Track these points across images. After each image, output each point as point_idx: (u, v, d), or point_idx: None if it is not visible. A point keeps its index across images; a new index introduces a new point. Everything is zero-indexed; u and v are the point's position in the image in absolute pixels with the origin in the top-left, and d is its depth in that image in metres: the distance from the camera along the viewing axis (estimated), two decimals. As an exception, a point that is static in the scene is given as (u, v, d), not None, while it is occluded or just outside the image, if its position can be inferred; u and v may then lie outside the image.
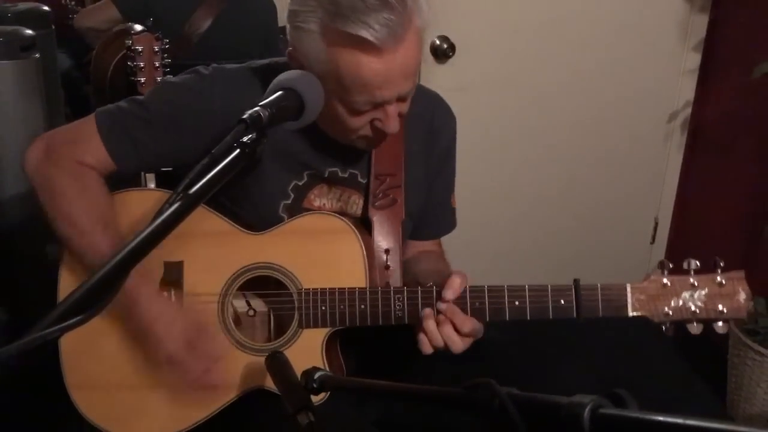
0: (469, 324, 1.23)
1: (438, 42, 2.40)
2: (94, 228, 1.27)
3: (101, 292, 0.62)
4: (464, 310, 1.25)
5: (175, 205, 0.76)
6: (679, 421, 0.48)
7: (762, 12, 2.47)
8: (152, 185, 1.75)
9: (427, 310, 1.25)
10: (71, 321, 0.55)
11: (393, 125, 1.24)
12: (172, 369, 1.26)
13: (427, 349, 1.24)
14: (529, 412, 0.58)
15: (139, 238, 0.70)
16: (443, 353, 1.26)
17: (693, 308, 1.21)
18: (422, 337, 1.24)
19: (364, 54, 1.14)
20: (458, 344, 1.24)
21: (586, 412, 0.53)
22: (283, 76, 1.06)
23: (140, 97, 1.35)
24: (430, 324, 1.24)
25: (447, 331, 1.23)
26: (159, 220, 0.73)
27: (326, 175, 1.39)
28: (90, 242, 1.26)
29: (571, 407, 0.54)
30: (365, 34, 1.10)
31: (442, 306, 1.24)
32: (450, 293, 1.23)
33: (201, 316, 1.29)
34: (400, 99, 1.23)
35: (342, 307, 1.28)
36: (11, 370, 0.50)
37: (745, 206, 2.63)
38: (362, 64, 1.14)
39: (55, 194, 1.29)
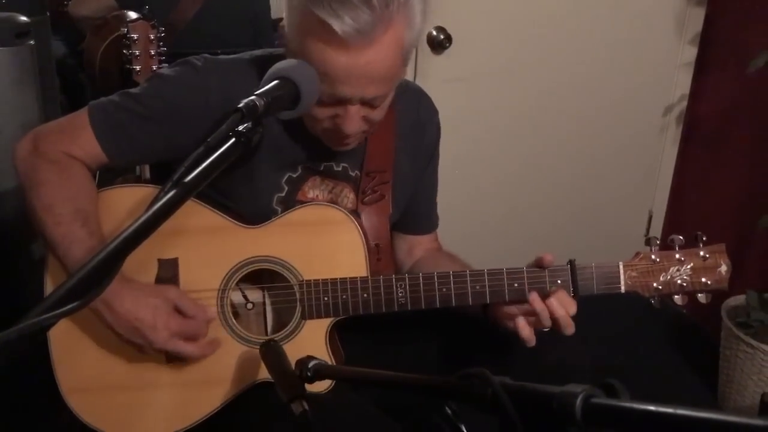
0: (574, 306, 1.26)
1: (435, 33, 2.39)
2: (73, 218, 1.25)
3: (95, 280, 0.62)
4: (465, 294, 1.28)
5: (170, 194, 0.76)
6: (670, 410, 0.49)
7: (758, 5, 2.47)
8: (147, 174, 1.75)
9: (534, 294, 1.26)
10: (66, 308, 0.55)
11: (350, 126, 1.22)
12: (174, 354, 1.26)
13: (529, 335, 1.25)
14: (522, 401, 0.59)
15: (133, 227, 0.70)
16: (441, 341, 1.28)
17: (680, 282, 1.29)
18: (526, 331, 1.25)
19: (329, 44, 1.12)
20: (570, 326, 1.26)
21: (579, 401, 0.54)
22: (279, 65, 1.06)
23: (133, 91, 1.33)
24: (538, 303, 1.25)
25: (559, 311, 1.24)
26: (154, 209, 0.73)
27: (321, 169, 1.39)
28: (65, 232, 1.24)
29: (564, 397, 0.55)
30: (334, 24, 1.09)
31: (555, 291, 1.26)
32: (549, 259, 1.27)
33: (171, 292, 1.27)
34: (366, 103, 1.21)
35: (344, 296, 1.29)
36: (7, 356, 0.50)
37: (739, 200, 2.64)
38: (327, 54, 1.13)
39: (38, 183, 1.27)
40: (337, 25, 1.09)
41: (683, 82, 2.72)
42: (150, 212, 0.72)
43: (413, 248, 1.57)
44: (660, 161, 2.83)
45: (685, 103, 2.75)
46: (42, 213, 1.26)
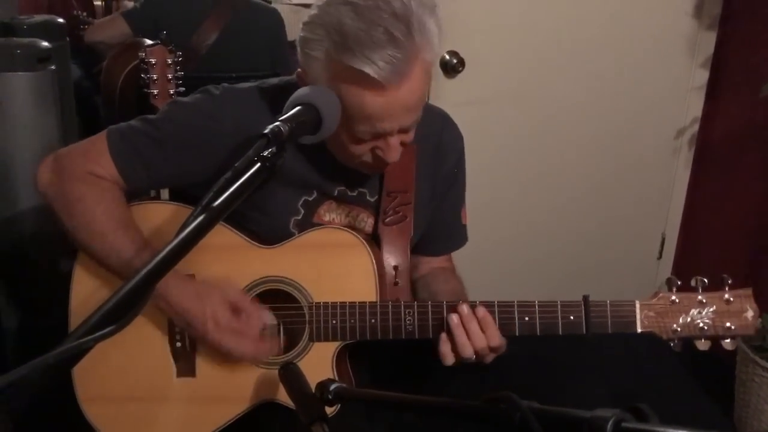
0: (498, 338, 1.24)
1: (447, 57, 2.42)
2: (116, 229, 1.28)
3: (130, 304, 0.63)
4: None
5: (200, 218, 0.77)
6: (701, 435, 0.49)
7: (769, 30, 2.49)
8: (165, 196, 1.76)
9: (455, 318, 1.25)
10: (103, 331, 0.57)
11: (393, 155, 1.25)
12: (221, 349, 1.27)
13: (449, 360, 1.26)
14: (551, 426, 0.59)
15: (165, 251, 0.71)
16: (456, 368, 1.27)
17: (701, 325, 1.23)
18: (445, 349, 1.25)
19: (366, 89, 1.14)
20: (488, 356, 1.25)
21: (609, 425, 0.54)
22: (301, 92, 1.07)
23: (151, 117, 1.36)
24: (460, 335, 1.24)
25: (479, 342, 1.24)
26: (184, 233, 0.74)
27: (335, 194, 1.40)
28: (113, 244, 1.27)
29: (594, 421, 0.55)
30: (368, 70, 1.10)
31: (480, 312, 1.24)
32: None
33: (231, 290, 1.29)
34: (402, 130, 1.24)
35: (353, 321, 1.29)
36: (49, 378, 0.51)
37: (752, 222, 2.63)
38: (364, 98, 1.15)
39: (73, 202, 1.30)
40: (373, 71, 1.10)
41: (695, 106, 2.73)
42: (180, 237, 0.73)
43: (420, 264, 1.58)
44: (673, 184, 2.84)
45: (697, 126, 2.75)
46: (84, 228, 1.29)
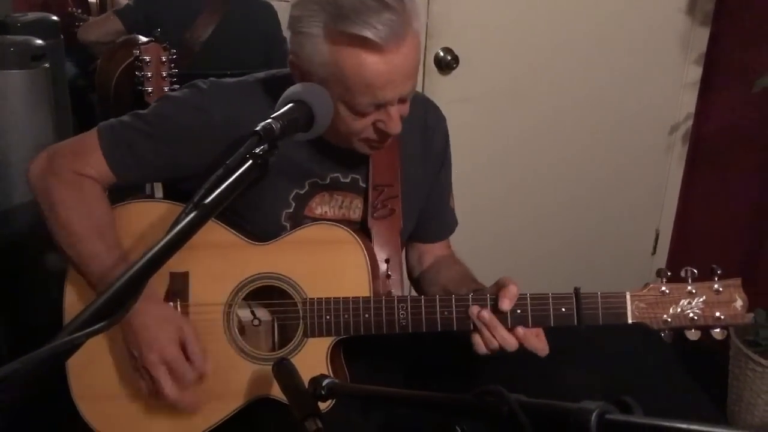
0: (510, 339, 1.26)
1: (442, 54, 2.43)
2: (90, 235, 1.29)
3: (121, 300, 0.64)
4: (467, 318, 1.27)
5: (191, 215, 0.78)
6: (683, 426, 0.50)
7: (763, 26, 2.50)
8: (159, 194, 1.77)
9: (474, 310, 1.26)
10: (95, 327, 0.57)
11: (395, 126, 1.27)
12: (148, 378, 1.26)
13: (481, 349, 1.27)
14: (538, 419, 0.60)
15: (157, 247, 0.72)
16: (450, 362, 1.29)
17: (691, 315, 1.24)
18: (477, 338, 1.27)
19: (367, 54, 1.16)
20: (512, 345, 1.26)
21: (593, 417, 0.55)
22: (293, 89, 1.08)
23: (142, 112, 1.37)
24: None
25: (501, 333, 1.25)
26: (176, 230, 0.75)
27: (328, 182, 1.41)
28: (86, 249, 1.28)
29: (579, 413, 0.56)
30: (368, 33, 1.14)
31: (485, 316, 1.25)
32: (506, 303, 1.24)
33: (190, 330, 1.28)
34: (401, 100, 1.26)
35: (346, 316, 1.30)
36: (41, 374, 0.52)
37: (745, 218, 2.65)
38: (365, 65, 1.17)
39: (54, 203, 1.31)
40: (373, 34, 1.14)
41: (688, 102, 2.74)
42: (172, 233, 0.74)
43: (423, 255, 1.59)
44: (666, 180, 2.85)
45: (690, 123, 2.76)
46: (61, 232, 1.30)
